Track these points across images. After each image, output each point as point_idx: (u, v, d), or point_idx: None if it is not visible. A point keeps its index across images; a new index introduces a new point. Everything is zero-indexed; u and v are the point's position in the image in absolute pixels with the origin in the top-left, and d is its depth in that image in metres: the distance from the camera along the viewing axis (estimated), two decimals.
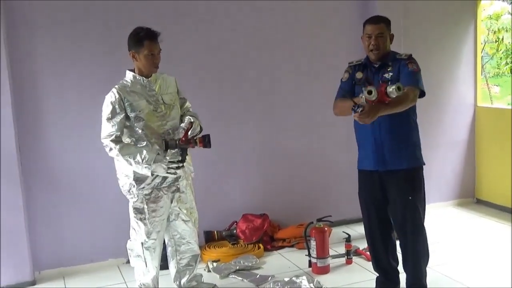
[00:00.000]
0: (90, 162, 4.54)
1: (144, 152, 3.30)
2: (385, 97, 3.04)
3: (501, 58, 8.90)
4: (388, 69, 3.34)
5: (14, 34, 4.25)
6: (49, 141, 4.45)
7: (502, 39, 8.22)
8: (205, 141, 3.39)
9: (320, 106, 5.17)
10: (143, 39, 3.32)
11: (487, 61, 9.12)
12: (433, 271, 4.17)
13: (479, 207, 5.84)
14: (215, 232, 4.90)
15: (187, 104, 3.68)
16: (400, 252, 3.59)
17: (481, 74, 5.99)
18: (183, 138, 3.36)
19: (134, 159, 3.29)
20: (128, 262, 4.61)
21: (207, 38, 4.83)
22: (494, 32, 8.30)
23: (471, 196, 6.02)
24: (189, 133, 3.35)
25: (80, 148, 4.52)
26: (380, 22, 3.33)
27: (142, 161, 3.28)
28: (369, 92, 2.98)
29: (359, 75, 3.40)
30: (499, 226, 5.24)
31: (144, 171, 3.31)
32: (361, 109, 3.00)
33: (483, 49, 6.46)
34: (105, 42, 4.52)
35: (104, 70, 4.49)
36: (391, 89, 3.01)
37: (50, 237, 4.52)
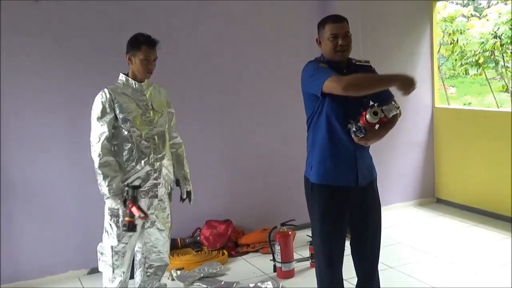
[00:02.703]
0: (49, 172, 4.43)
1: (115, 183, 3.29)
2: (383, 118, 2.92)
3: (456, 60, 9.09)
4: None
5: None
6: (6, 151, 4.31)
7: (457, 41, 8.40)
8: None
9: (282, 108, 5.18)
10: (141, 43, 3.37)
11: (443, 63, 9.31)
12: (396, 271, 4.22)
13: (439, 206, 5.95)
14: (179, 240, 4.84)
15: (174, 121, 3.74)
16: (355, 258, 3.29)
17: (438, 76, 6.10)
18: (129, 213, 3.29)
19: (103, 178, 3.29)
20: (89, 273, 4.55)
21: (174, 40, 4.78)
22: (449, 34, 8.47)
23: (431, 196, 6.12)
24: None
25: (39, 158, 4.40)
26: (344, 21, 3.07)
27: (108, 187, 3.29)
28: (375, 113, 2.84)
29: None
30: (460, 225, 5.34)
31: (104, 190, 3.30)
32: (362, 134, 2.88)
33: (439, 51, 6.58)
34: (63, 46, 4.42)
35: (61, 77, 4.42)
36: (388, 108, 2.91)
37: (8, 249, 4.37)
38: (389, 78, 2.88)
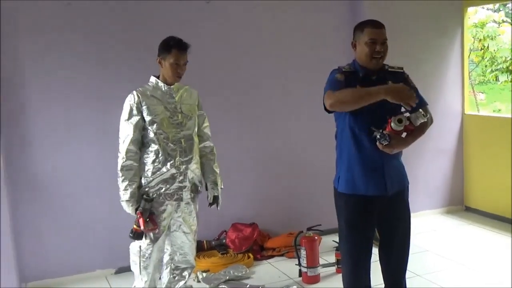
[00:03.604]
0: (77, 172, 4.50)
1: (131, 188, 3.35)
2: (409, 126, 2.88)
3: (486, 66, 8.99)
4: (388, 83, 2.98)
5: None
6: (35, 152, 4.39)
7: (487, 47, 8.30)
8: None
9: (310, 114, 5.17)
10: (172, 47, 3.39)
11: (473, 69, 9.20)
12: (423, 279, 4.18)
13: (468, 215, 5.86)
14: (205, 242, 4.86)
15: (205, 123, 3.73)
16: (383, 266, 3.29)
17: (468, 82, 6.02)
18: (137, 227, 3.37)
19: (122, 181, 3.36)
20: (116, 272, 4.60)
21: (197, 43, 4.79)
22: (480, 40, 8.38)
23: (460, 204, 6.04)
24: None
25: (67, 158, 4.47)
26: (383, 27, 3.00)
27: (124, 191, 3.36)
28: (400, 121, 2.81)
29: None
30: (488, 234, 5.26)
31: (120, 193, 3.39)
32: (386, 142, 2.85)
33: (469, 56, 6.50)
34: (93, 50, 4.48)
35: (89, 79, 4.48)
36: (415, 116, 2.86)
37: (37, 248, 4.45)
38: (377, 91, 2.80)
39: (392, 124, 2.84)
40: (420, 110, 2.92)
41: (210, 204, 3.72)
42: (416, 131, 2.99)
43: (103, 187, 4.47)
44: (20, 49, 4.29)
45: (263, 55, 5.10)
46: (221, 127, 4.94)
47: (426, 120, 2.94)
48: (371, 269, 3.21)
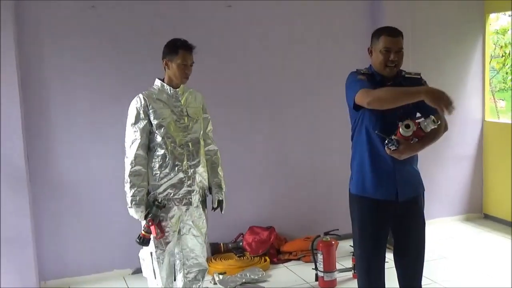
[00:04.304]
0: (97, 172, 4.56)
1: (139, 195, 3.31)
2: (419, 132, 2.86)
3: (507, 73, 8.89)
4: None
5: (24, 44, 4.28)
6: (56, 151, 4.46)
7: (509, 54, 8.21)
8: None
9: (328, 118, 5.17)
10: (178, 48, 3.37)
11: (494, 76, 9.11)
12: (440, 287, 4.15)
13: (486, 222, 5.81)
14: (221, 244, 4.89)
15: (209, 127, 3.68)
16: (398, 272, 3.26)
17: (489, 89, 5.97)
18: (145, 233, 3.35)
19: (130, 187, 3.31)
20: (134, 273, 4.64)
21: (217, 47, 4.85)
22: (501, 47, 8.29)
23: (479, 211, 5.98)
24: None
25: (87, 158, 4.54)
26: (400, 36, 3.01)
27: (132, 197, 3.31)
28: (407, 126, 2.79)
29: None
30: (507, 242, 5.20)
31: (127, 199, 3.35)
32: (394, 147, 2.84)
33: (490, 63, 6.45)
34: (114, 52, 4.55)
35: (113, 80, 4.54)
36: (426, 122, 2.82)
37: (56, 246, 4.52)
38: (417, 91, 2.78)
39: (400, 129, 2.83)
40: (431, 116, 2.87)
41: (214, 208, 3.65)
42: (426, 137, 2.95)
43: (121, 188, 4.49)
44: (45, 53, 4.37)
45: (282, 60, 5.11)
46: (240, 131, 4.98)
47: (436, 126, 2.88)
48: (386, 275, 3.20)
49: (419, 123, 2.86)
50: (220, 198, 3.62)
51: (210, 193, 3.65)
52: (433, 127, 2.86)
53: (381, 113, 2.90)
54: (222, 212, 3.65)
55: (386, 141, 2.87)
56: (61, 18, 4.39)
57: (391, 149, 2.87)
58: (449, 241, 5.24)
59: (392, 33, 3.00)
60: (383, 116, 2.92)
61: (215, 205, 3.63)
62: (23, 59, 4.28)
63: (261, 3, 4.95)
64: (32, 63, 4.34)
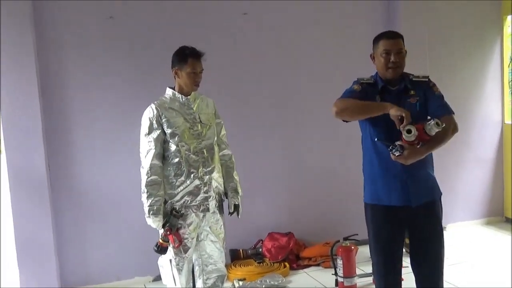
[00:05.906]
0: (117, 181, 4.60)
1: (157, 205, 3.34)
2: (424, 136, 2.82)
3: None
4: (411, 93, 3.01)
5: (44, 54, 4.36)
6: (77, 160, 4.52)
7: None
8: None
9: (345, 123, 5.15)
10: (187, 56, 3.38)
11: None
12: None
13: (508, 226, 5.74)
14: (241, 251, 4.90)
15: (222, 132, 3.69)
16: (416, 279, 3.19)
17: (508, 92, 5.91)
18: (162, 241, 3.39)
19: (147, 197, 3.34)
20: (154, 280, 4.66)
21: (233, 54, 4.89)
22: None
23: (500, 215, 5.92)
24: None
25: (107, 166, 4.59)
26: (399, 37, 3.02)
27: (149, 207, 3.34)
28: (409, 131, 2.76)
29: (378, 100, 3.01)
30: None
31: (145, 209, 3.37)
32: (399, 152, 2.82)
33: (509, 65, 6.37)
34: (133, 60, 4.61)
35: (133, 88, 4.60)
36: (429, 126, 2.78)
37: (77, 254, 4.57)
38: (383, 106, 2.86)
39: (403, 134, 2.81)
40: (434, 119, 2.81)
41: (231, 213, 3.66)
42: (432, 141, 2.89)
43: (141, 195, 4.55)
44: (64, 62, 4.44)
45: (298, 64, 5.13)
46: (259, 138, 4.99)
47: (441, 129, 2.82)
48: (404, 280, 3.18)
49: (423, 127, 2.83)
50: (236, 203, 3.63)
51: (226, 197, 3.66)
52: (437, 130, 2.81)
53: (383, 120, 2.89)
54: (239, 216, 3.67)
55: (390, 147, 2.86)
56: (80, 28, 4.46)
57: (395, 155, 2.85)
58: (470, 245, 5.19)
59: (391, 36, 3.03)
60: (386, 123, 2.89)
61: (232, 210, 3.63)
62: (43, 67, 4.35)
63: (276, 15, 5.01)
64: (52, 71, 4.40)
